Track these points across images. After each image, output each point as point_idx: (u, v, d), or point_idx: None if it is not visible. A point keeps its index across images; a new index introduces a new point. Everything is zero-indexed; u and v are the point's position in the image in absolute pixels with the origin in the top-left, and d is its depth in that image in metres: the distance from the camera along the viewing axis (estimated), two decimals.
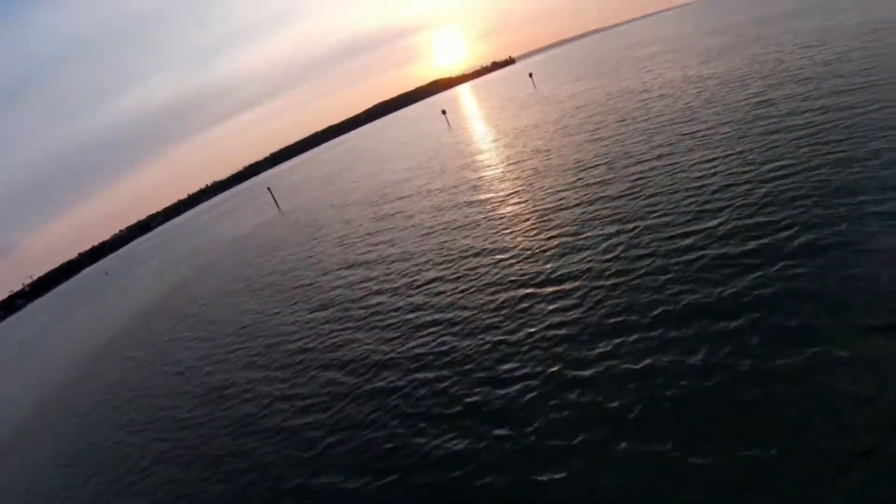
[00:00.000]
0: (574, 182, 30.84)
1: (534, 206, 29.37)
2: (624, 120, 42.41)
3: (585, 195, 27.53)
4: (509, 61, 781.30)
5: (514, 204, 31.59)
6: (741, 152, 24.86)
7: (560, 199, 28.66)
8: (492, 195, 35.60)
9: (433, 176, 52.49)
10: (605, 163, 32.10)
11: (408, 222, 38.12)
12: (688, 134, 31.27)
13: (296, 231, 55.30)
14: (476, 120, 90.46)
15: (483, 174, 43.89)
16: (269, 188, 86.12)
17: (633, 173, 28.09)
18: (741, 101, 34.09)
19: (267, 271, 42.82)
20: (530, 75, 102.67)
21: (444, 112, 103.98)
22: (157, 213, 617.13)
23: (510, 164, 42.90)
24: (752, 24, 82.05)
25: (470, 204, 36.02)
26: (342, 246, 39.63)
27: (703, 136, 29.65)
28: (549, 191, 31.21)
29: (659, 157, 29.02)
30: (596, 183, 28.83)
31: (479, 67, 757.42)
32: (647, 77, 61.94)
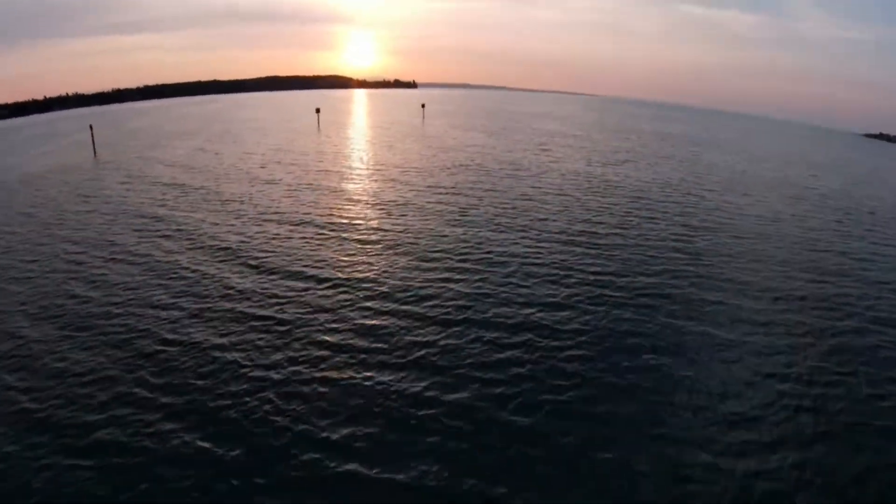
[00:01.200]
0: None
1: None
2: (497, 206, 39.03)
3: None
4: (412, 84, 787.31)
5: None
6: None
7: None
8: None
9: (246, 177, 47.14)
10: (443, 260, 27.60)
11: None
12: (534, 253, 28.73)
13: (82, 191, 45.55)
14: (348, 133, 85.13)
15: (286, 198, 39.19)
16: (90, 126, 73.18)
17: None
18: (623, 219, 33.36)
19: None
20: (422, 106, 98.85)
21: (317, 110, 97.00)
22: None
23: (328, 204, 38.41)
24: (653, 136, 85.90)
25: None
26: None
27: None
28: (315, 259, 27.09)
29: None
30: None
31: (381, 80, 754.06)
32: (542, 158, 61.22)
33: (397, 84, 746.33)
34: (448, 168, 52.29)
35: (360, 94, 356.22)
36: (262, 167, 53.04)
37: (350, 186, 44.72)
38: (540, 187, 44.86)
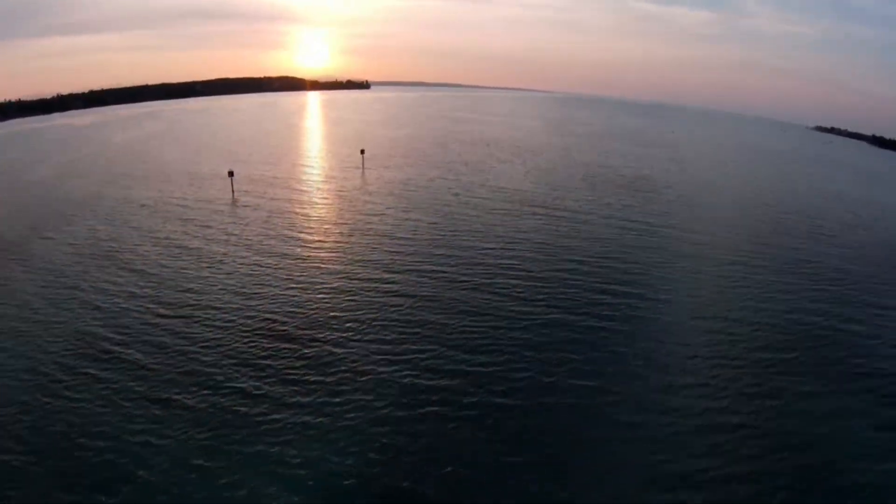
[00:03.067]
0: None
1: None
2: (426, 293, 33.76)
3: None
4: (364, 85, 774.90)
5: None
6: None
7: None
8: None
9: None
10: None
11: None
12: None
13: None
14: (267, 206, 78.02)
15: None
16: None
17: None
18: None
19: None
20: (362, 152, 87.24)
21: (230, 173, 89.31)
22: None
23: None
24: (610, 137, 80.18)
25: None
26: None
27: None
28: None
29: None
30: None
31: (334, 80, 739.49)
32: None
33: (350, 85, 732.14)
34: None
35: (308, 103, 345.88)
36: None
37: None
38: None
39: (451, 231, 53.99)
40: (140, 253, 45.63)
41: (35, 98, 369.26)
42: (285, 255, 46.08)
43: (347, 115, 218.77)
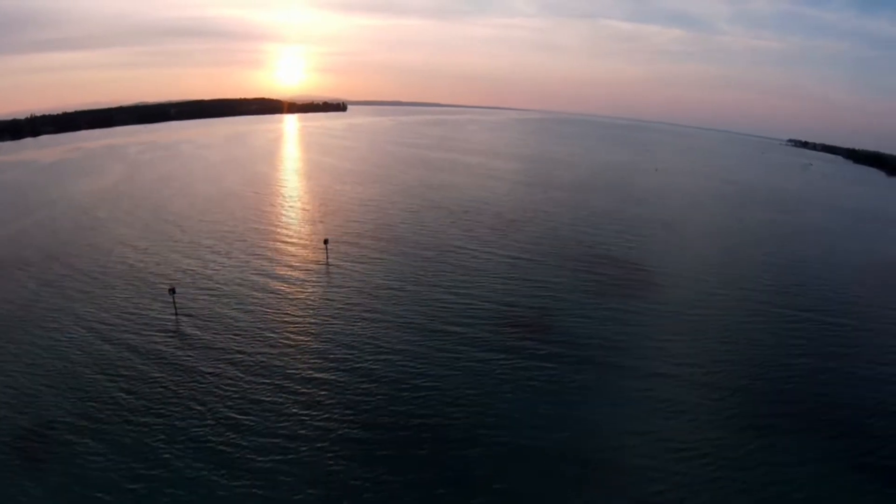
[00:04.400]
0: None
1: None
2: None
3: None
4: (341, 107, 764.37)
5: None
6: None
7: None
8: None
9: None
10: None
11: None
12: None
13: None
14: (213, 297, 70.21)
15: None
16: None
17: None
18: None
19: None
20: (325, 242, 78.04)
21: (172, 290, 79.97)
22: None
23: None
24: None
25: None
26: None
27: None
28: None
29: None
30: None
31: (311, 102, 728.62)
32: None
33: (327, 107, 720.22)
34: None
35: (281, 136, 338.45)
36: None
37: None
38: None
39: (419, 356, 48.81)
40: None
41: (8, 118, 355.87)
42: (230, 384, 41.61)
43: (318, 156, 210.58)
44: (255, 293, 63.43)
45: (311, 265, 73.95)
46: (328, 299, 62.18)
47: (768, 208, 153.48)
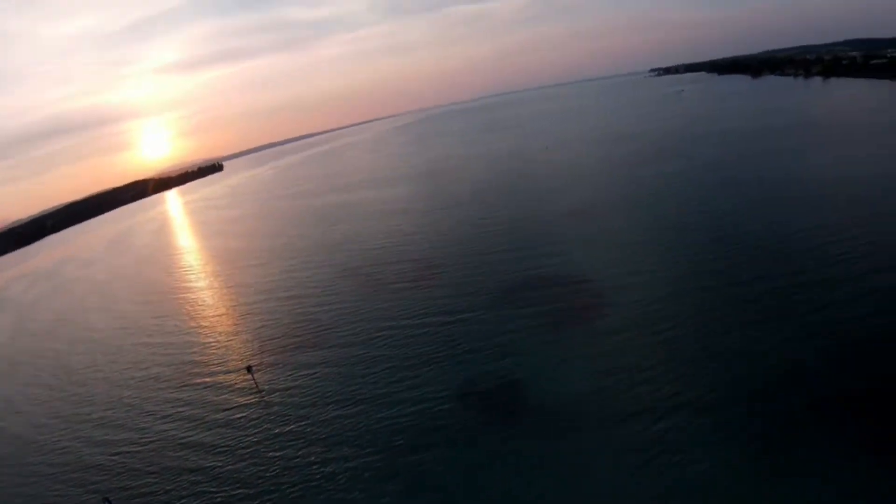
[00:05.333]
0: None
1: None
2: None
3: None
4: (217, 167, 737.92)
5: None
6: None
7: None
8: None
9: None
10: None
11: None
12: None
13: None
14: None
15: None
16: None
17: None
18: None
19: None
20: (248, 370, 71.61)
21: None
22: None
23: None
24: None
25: None
26: None
27: None
28: None
29: None
30: None
31: (184, 171, 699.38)
32: None
33: (202, 172, 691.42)
34: None
35: (173, 209, 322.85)
36: None
37: None
38: None
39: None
40: None
41: None
42: None
43: (207, 240, 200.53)
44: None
45: (238, 397, 68.89)
46: (261, 438, 57.98)
47: (665, 156, 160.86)
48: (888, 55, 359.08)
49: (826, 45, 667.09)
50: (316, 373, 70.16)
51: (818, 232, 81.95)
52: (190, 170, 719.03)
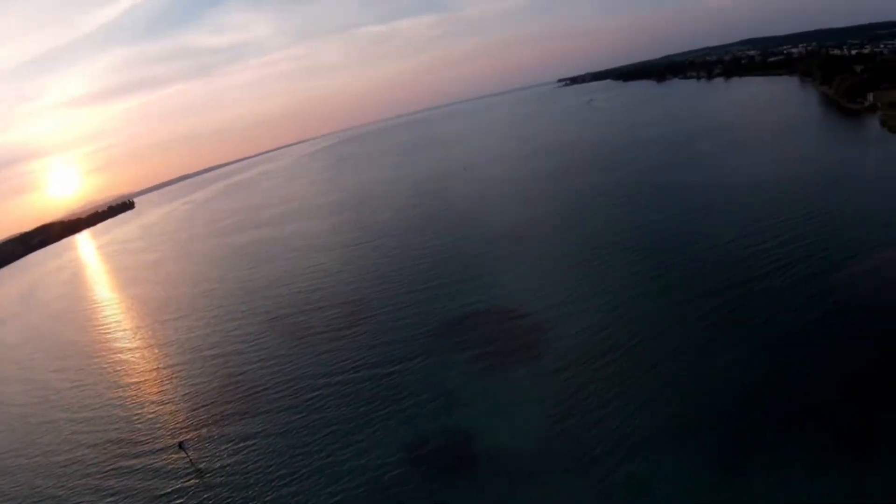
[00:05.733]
0: None
1: None
2: None
3: None
4: (129, 204, 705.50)
5: None
6: None
7: None
8: None
9: None
10: None
11: None
12: None
13: None
14: None
15: None
16: None
17: None
18: None
19: None
20: (180, 445, 67.45)
21: None
22: None
23: None
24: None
25: None
26: None
27: None
28: None
29: None
30: None
31: (95, 211, 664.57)
32: None
33: (112, 211, 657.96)
34: None
35: (86, 253, 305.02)
36: None
37: None
38: None
39: None
40: None
41: None
42: None
43: (125, 291, 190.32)
44: None
45: (173, 481, 65.82)
46: None
47: (587, 170, 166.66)
48: (784, 52, 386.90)
49: (725, 46, 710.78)
50: (254, 445, 67.23)
51: (751, 238, 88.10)
52: (100, 209, 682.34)
